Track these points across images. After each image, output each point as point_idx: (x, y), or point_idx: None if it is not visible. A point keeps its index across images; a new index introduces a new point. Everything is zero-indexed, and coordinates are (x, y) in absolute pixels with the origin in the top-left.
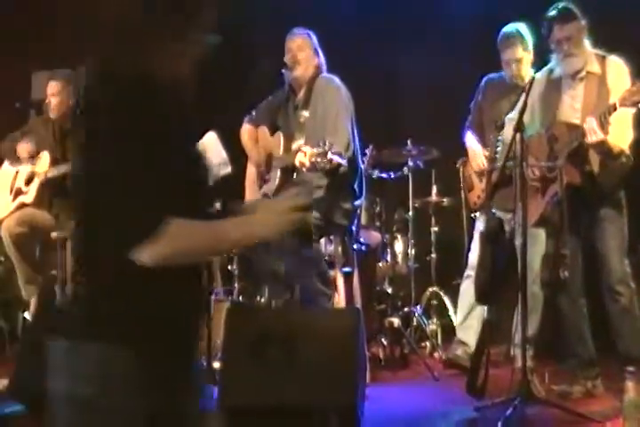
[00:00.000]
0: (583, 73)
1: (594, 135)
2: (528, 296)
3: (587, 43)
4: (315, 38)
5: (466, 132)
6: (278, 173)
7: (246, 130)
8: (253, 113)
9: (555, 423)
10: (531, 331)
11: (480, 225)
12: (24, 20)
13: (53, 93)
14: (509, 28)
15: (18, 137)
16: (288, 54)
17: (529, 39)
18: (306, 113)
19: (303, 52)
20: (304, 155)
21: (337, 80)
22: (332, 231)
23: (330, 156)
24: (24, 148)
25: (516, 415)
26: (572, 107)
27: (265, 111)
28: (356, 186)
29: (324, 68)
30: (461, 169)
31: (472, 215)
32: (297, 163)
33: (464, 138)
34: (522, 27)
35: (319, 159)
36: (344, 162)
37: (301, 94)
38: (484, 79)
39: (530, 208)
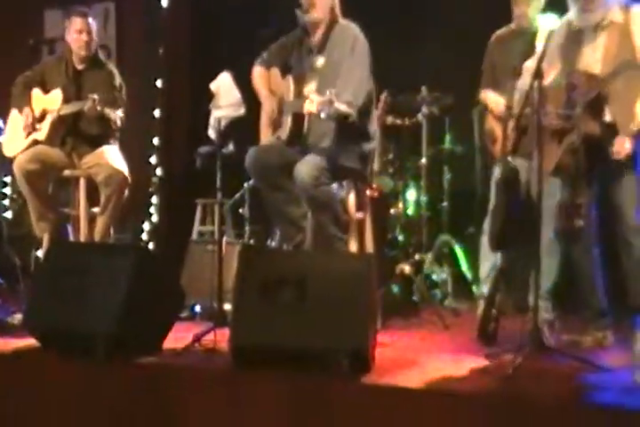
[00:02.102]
0: (606, 22)
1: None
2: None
3: None
4: None
5: (482, 91)
6: (289, 118)
7: (257, 72)
8: (264, 54)
9: (564, 372)
10: (549, 281)
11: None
12: None
13: (81, 30)
14: None
15: (30, 80)
16: None
17: None
18: (322, 58)
19: None
20: (311, 102)
21: (355, 27)
22: (344, 176)
23: (336, 105)
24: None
25: (526, 363)
26: (593, 57)
27: (277, 53)
28: (368, 129)
29: (338, 9)
30: (482, 123)
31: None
32: (304, 110)
33: (480, 97)
34: None
35: (325, 107)
36: (352, 111)
37: (317, 38)
38: (493, 36)
39: (547, 156)
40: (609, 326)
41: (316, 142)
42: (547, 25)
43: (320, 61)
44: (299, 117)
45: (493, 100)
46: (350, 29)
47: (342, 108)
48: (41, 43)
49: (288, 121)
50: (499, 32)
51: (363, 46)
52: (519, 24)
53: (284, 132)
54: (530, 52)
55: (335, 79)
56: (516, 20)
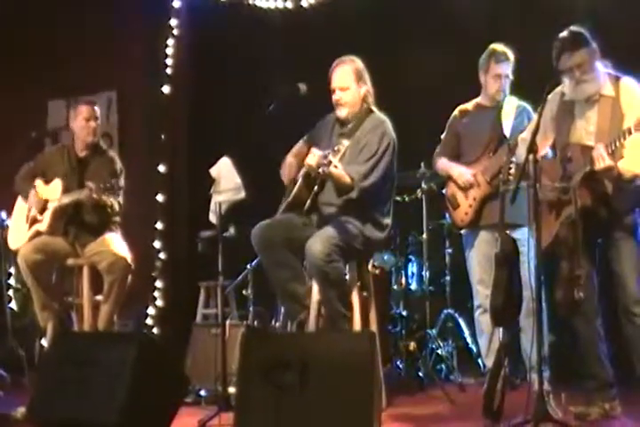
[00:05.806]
0: (596, 96)
1: (602, 162)
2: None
3: (598, 65)
4: (359, 63)
5: (438, 160)
6: (300, 178)
7: (298, 147)
8: (308, 134)
9: None
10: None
11: (470, 244)
12: (38, 50)
13: (89, 118)
14: (500, 46)
15: (32, 171)
16: (333, 93)
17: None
18: (346, 142)
19: (346, 91)
20: (313, 155)
21: (387, 121)
22: (352, 256)
23: (330, 158)
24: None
25: None
26: (586, 130)
27: (315, 135)
28: (382, 219)
29: (371, 97)
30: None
31: (460, 233)
32: (304, 162)
33: (436, 165)
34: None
35: (323, 163)
36: (347, 181)
37: (349, 127)
38: (457, 110)
39: (544, 229)
40: (616, 397)
41: (325, 203)
42: (511, 103)
43: (344, 144)
44: (309, 179)
45: (456, 169)
46: (383, 123)
47: (336, 171)
48: (44, 135)
49: (298, 181)
50: (464, 106)
51: (390, 142)
52: (493, 99)
53: (292, 194)
54: (497, 126)
55: (354, 159)
56: (489, 96)
